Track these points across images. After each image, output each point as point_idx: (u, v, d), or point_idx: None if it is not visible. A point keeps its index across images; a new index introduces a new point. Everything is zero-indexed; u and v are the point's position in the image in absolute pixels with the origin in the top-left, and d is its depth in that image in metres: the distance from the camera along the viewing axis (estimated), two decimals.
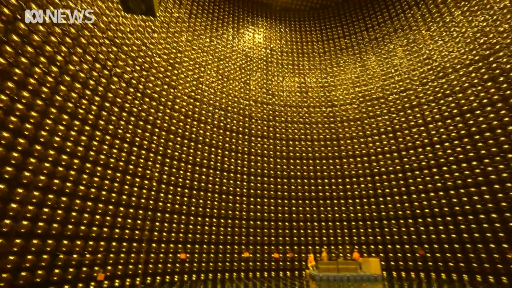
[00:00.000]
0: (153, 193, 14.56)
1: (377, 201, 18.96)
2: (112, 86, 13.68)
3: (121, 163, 13.36)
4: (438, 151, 17.70)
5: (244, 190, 18.55)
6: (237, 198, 18.11)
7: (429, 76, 19.63)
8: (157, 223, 14.34)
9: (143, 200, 13.89)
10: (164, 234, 14.50)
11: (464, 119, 17.08)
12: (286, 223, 18.83)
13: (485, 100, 16.36)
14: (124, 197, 13.17)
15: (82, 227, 11.33)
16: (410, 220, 17.46)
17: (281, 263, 17.73)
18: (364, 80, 23.08)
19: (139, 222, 13.49)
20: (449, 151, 17.23)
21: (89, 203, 11.72)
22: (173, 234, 14.84)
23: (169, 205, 15.08)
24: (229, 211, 17.52)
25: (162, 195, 14.93)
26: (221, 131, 19.14)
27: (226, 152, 18.81)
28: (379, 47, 23.57)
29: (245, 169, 19.14)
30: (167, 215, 14.86)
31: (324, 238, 18.78)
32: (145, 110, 15.22)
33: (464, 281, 14.44)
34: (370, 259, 15.67)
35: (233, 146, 19.29)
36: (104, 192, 12.38)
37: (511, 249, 13.73)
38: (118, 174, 13.15)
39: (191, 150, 17.11)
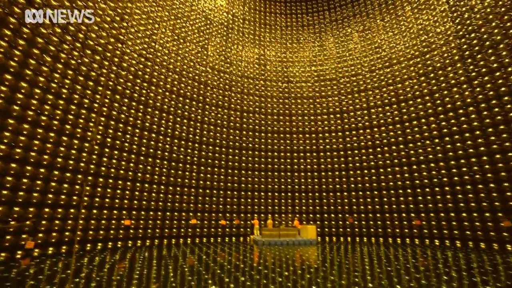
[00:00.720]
0: (94, 156, 13.34)
1: (319, 175, 20.81)
2: (43, 30, 11.47)
3: (55, 122, 11.73)
4: (375, 134, 19.93)
5: (195, 159, 18.31)
6: (187, 166, 17.83)
7: (377, 64, 21.31)
8: (99, 189, 13.38)
9: (82, 164, 12.66)
10: (107, 200, 13.67)
11: (399, 107, 19.33)
12: (235, 192, 19.47)
13: (417, 93, 18.63)
14: (59, 159, 11.79)
15: (4, 192, 9.93)
16: (345, 193, 19.79)
17: (227, 229, 18.57)
18: (320, 60, 23.87)
19: (77, 187, 12.39)
20: (384, 134, 19.55)
21: (14, 165, 10.21)
22: (116, 201, 14.09)
23: (112, 170, 14.08)
24: (178, 178, 17.23)
25: (105, 159, 13.79)
26: (173, 96, 18.05)
27: (178, 119, 18.00)
28: (338, 29, 24.32)
29: (196, 137, 18.72)
30: (110, 180, 13.91)
31: (270, 207, 20.12)
32: (86, 63, 13.30)
33: (379, 242, 17.36)
34: (308, 226, 17.47)
35: (186, 113, 18.51)
36: (33, 154, 10.87)
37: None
38: (52, 134, 11.59)
39: (139, 114, 15.87)
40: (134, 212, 14.77)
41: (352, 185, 19.78)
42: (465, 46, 16.60)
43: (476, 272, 7.91)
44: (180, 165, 17.51)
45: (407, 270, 8.32)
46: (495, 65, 15.02)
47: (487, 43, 15.50)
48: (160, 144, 16.67)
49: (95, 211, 13.08)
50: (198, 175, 18.23)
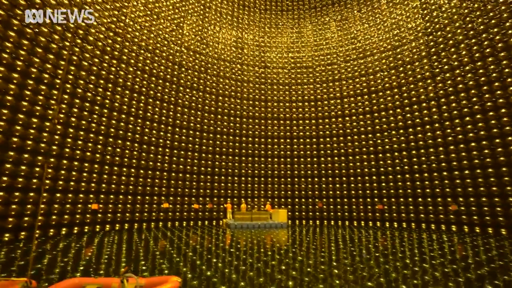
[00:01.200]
0: (57, 137, 12.43)
1: (292, 161, 21.41)
2: None
3: (8, 98, 10.66)
4: (347, 123, 20.79)
5: (167, 142, 17.82)
6: (159, 149, 17.33)
7: (352, 55, 21.87)
8: (63, 171, 12.59)
9: (42, 145, 11.75)
10: (72, 183, 12.94)
11: (370, 98, 20.22)
12: (208, 176, 19.42)
13: (387, 85, 19.57)
14: (15, 139, 10.83)
15: None
16: (316, 179, 20.65)
17: (200, 213, 18.63)
18: (298, 46, 23.90)
19: (37, 169, 11.54)
20: (354, 123, 20.45)
21: None
22: (83, 184, 13.40)
23: (78, 152, 13.27)
24: (149, 161, 16.73)
25: (69, 140, 12.91)
26: (145, 75, 17.13)
27: (150, 100, 17.22)
28: (316, 17, 24.36)
29: (169, 119, 18.13)
30: (75, 162, 13.13)
31: (242, 192, 20.42)
32: (45, 34, 12.04)
33: (343, 224, 18.57)
34: (280, 210, 18.11)
35: (158, 94, 17.74)
36: None
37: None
38: (5, 111, 10.54)
39: (108, 93, 14.92)
40: (102, 196, 14.19)
41: (323, 171, 20.66)
42: (432, 43, 17.58)
43: (424, 249, 8.86)
44: (152, 148, 16.96)
45: (368, 249, 9.07)
46: (455, 63, 16.15)
47: (451, 42, 16.54)
48: (130, 126, 15.93)
49: (58, 194, 12.36)
50: (171, 159, 17.84)
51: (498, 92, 14.11)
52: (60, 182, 12.48)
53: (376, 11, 21.56)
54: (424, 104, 17.41)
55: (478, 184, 14.50)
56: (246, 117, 21.80)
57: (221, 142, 20.41)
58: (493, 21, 14.75)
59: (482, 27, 15.18)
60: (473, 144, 14.88)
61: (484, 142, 14.44)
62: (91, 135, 13.91)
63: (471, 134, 15.02)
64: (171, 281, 4.01)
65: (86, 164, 13.60)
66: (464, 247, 9.71)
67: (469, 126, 15.15)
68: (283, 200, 20.82)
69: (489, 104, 14.43)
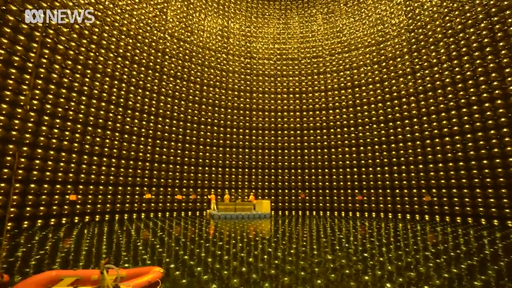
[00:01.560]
0: (30, 124, 11.78)
1: (276, 153, 21.61)
2: None
3: None
4: (330, 116, 21.16)
5: (150, 131, 17.40)
6: (141, 139, 16.89)
7: (337, 49, 22.09)
8: (38, 161, 12.01)
9: (14, 133, 11.12)
10: (48, 173, 12.40)
11: (353, 92, 20.63)
12: (192, 167, 19.25)
13: (370, 80, 20.01)
14: None
15: None
16: (299, 170, 21.03)
17: (183, 204, 18.51)
18: (284, 38, 23.79)
19: (8, 158, 10.94)
20: (338, 116, 20.86)
21: None
22: (60, 174, 12.87)
23: (54, 141, 12.67)
24: (131, 151, 16.31)
25: (44, 128, 12.28)
26: (126, 62, 16.47)
27: (132, 88, 16.64)
28: (303, 8, 24.25)
29: (152, 108, 17.66)
30: (51, 152, 12.55)
31: (226, 182, 20.45)
32: (14, 13, 11.21)
33: (325, 215, 19.17)
34: (263, 201, 18.34)
35: (141, 82, 17.17)
36: None
37: (360, 193, 18.79)
38: None
39: (86, 79, 14.24)
40: (81, 187, 13.72)
41: (306, 163, 21.06)
42: (413, 40, 18.07)
43: (400, 237, 9.38)
44: (134, 137, 16.51)
45: (347, 238, 9.45)
46: (434, 60, 16.75)
47: (431, 39, 17.08)
48: (111, 114, 15.36)
49: (33, 185, 11.82)
50: (154, 149, 17.47)
51: (472, 90, 14.84)
52: (35, 172, 11.93)
53: (362, 6, 21.77)
54: (404, 100, 18.01)
55: (450, 177, 15.36)
56: (231, 108, 21.63)
57: (205, 133, 20.19)
58: (469, 22, 15.34)
59: (459, 26, 15.77)
60: (447, 139, 15.67)
61: (457, 137, 15.24)
62: (68, 123, 13.30)
63: (445, 130, 15.78)
64: (153, 271, 3.99)
65: (63, 154, 13.04)
66: (435, 235, 10.35)
67: (444, 122, 15.90)
68: (266, 191, 21.08)
69: (463, 101, 15.16)
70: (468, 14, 15.46)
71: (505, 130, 13.44)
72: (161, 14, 18.95)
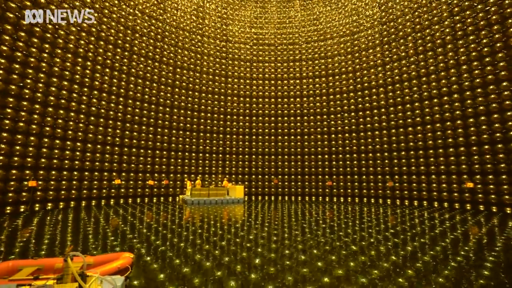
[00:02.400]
0: None
1: (250, 138, 21.72)
2: None
3: None
4: (304, 103, 21.56)
5: (119, 114, 16.53)
6: (109, 122, 16.02)
7: (313, 37, 22.23)
8: None
9: None
10: (1, 157, 11.38)
11: (327, 80, 21.10)
12: (164, 152, 18.76)
13: (343, 69, 20.55)
14: None
15: None
16: (273, 156, 21.41)
17: (155, 189, 18.13)
18: (261, 22, 23.39)
19: None
20: (311, 104, 21.33)
21: None
22: (16, 159, 11.88)
23: (7, 122, 11.57)
24: (98, 135, 15.43)
25: (9, 110, 11.14)
26: (92, 38, 15.24)
27: (98, 67, 15.52)
28: None
29: (121, 90, 16.70)
30: (4, 134, 11.48)
31: (200, 168, 20.27)
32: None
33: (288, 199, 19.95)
34: (237, 186, 18.54)
35: (108, 61, 16.05)
36: None
37: (330, 178, 19.69)
38: None
39: (45, 55, 12.98)
40: (41, 172, 12.81)
41: (279, 149, 21.48)
42: (385, 33, 18.72)
43: (363, 217, 10.12)
44: (101, 120, 15.59)
45: (317, 221, 9.97)
46: (403, 53, 17.58)
47: (400, 33, 17.82)
48: (75, 95, 14.29)
49: None
50: (123, 132, 16.69)
51: (433, 83, 15.90)
52: None
53: None
54: (374, 90, 18.83)
55: (411, 164, 16.62)
56: (205, 92, 21.13)
57: (178, 117, 19.62)
58: (435, 19, 16.19)
59: (426, 22, 16.59)
60: (410, 128, 16.80)
61: (418, 127, 16.39)
62: (25, 103, 12.17)
63: (409, 120, 16.88)
64: (123, 257, 3.93)
65: (19, 136, 11.99)
66: (394, 217, 11.28)
67: (408, 113, 16.97)
68: (240, 176, 21.29)
69: (425, 94, 16.22)
70: (434, 12, 16.27)
71: (458, 122, 14.70)
72: None
